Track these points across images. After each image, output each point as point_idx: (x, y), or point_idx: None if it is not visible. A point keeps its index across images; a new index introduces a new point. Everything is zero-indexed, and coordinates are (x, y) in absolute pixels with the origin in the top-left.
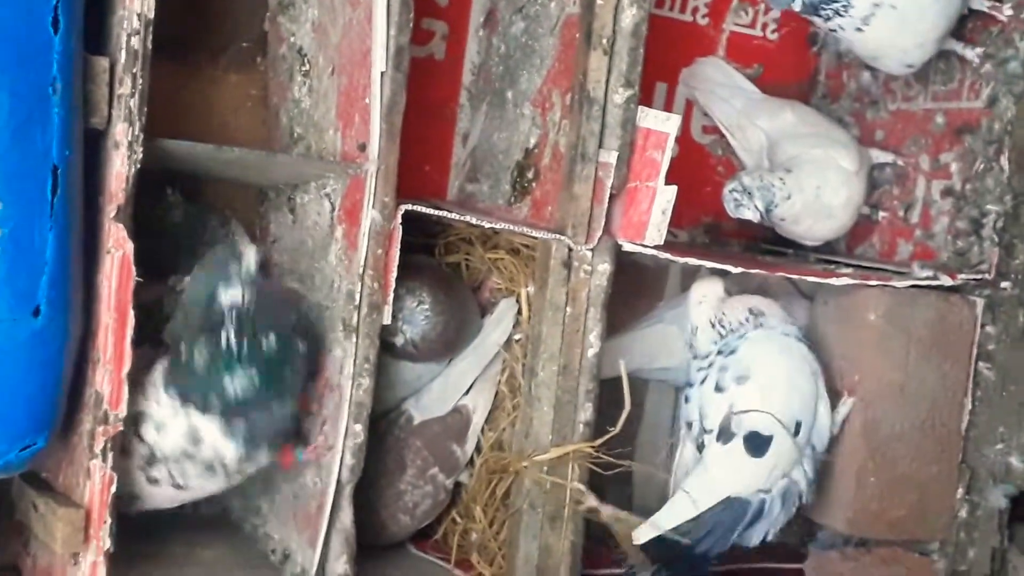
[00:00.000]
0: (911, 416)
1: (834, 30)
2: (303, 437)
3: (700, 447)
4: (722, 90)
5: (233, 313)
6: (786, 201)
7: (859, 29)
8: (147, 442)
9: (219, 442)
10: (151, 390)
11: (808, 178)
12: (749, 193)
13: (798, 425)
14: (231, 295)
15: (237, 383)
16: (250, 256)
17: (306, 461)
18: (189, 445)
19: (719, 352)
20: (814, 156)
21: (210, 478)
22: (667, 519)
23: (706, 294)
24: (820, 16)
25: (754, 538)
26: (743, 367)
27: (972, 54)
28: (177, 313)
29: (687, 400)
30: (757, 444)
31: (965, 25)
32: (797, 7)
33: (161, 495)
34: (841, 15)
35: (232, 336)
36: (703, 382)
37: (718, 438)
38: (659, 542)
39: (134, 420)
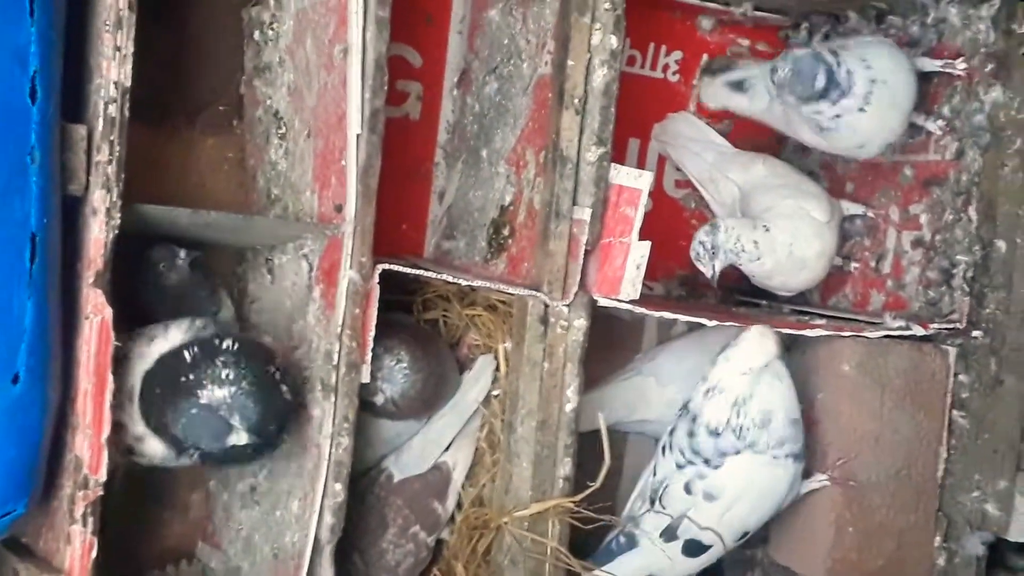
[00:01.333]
0: (887, 465)
1: (838, 115)
2: None
3: (645, 512)
4: (694, 144)
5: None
6: (756, 262)
7: (862, 109)
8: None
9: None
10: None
11: (781, 234)
12: (714, 252)
13: (745, 534)
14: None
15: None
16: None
17: None
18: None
19: (705, 461)
20: (786, 207)
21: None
22: None
23: (757, 362)
24: (828, 100)
25: None
26: (717, 488)
27: (934, 126)
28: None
29: (657, 463)
30: (694, 550)
31: (928, 87)
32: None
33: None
34: (846, 96)
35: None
36: (679, 467)
37: (661, 535)
38: None
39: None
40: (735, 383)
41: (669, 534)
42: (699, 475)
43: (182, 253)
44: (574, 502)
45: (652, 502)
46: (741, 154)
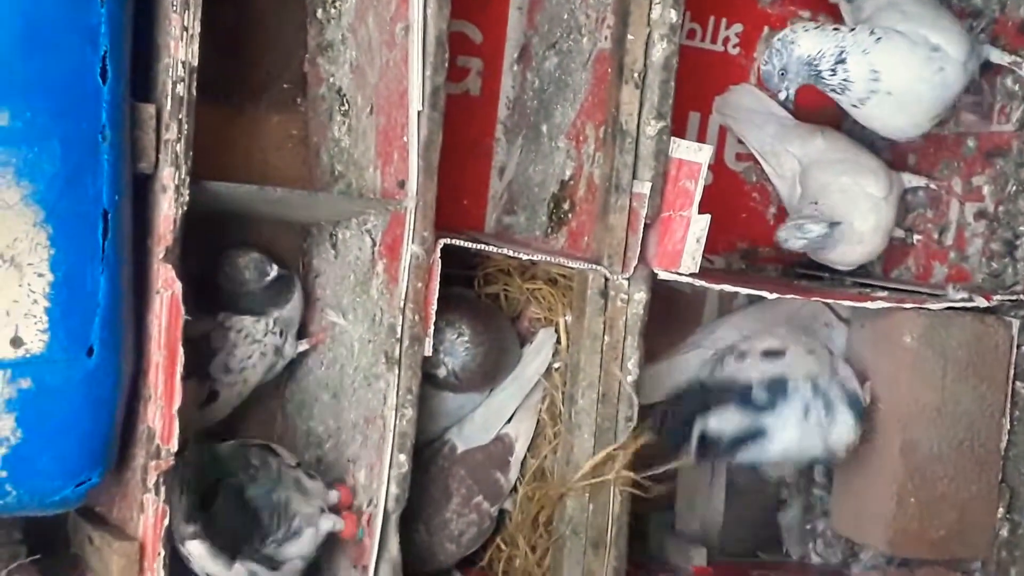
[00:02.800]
0: (949, 437)
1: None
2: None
3: None
4: (755, 116)
5: None
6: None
7: (855, 106)
8: None
9: None
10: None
11: (835, 212)
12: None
13: None
14: None
15: None
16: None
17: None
18: None
19: None
20: (842, 184)
21: None
22: None
23: None
24: (819, 85)
25: None
26: None
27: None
28: None
29: None
30: None
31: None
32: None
33: None
34: (838, 93)
35: None
36: None
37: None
38: None
39: None
40: None
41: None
42: None
43: (273, 270)
44: (628, 448)
45: None
46: (801, 126)
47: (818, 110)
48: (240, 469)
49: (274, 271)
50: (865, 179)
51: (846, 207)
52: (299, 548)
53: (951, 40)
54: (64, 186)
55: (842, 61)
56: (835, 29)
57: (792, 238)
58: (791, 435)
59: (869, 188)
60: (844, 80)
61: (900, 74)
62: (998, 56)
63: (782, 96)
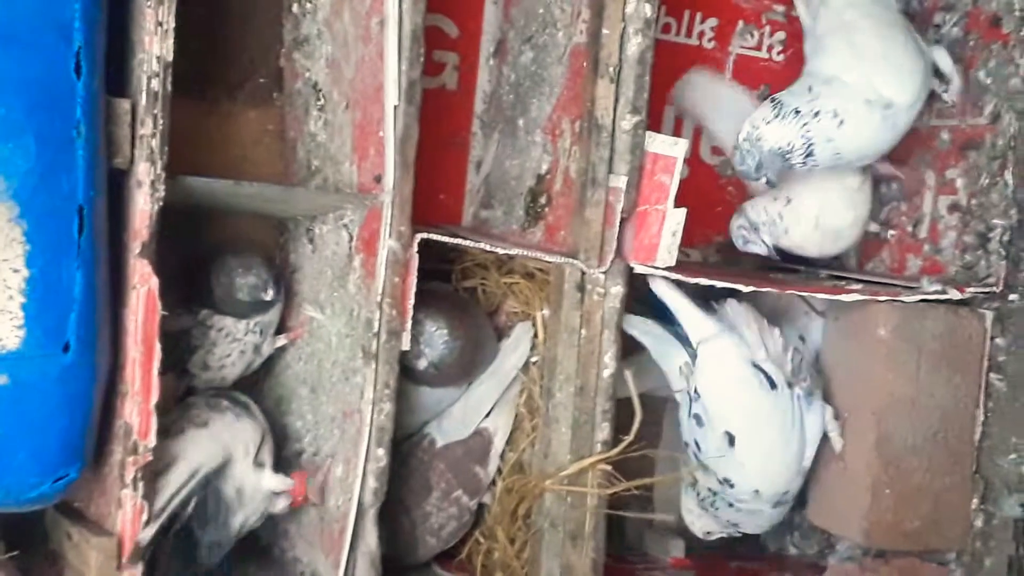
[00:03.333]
0: (923, 428)
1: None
2: None
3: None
4: (713, 101)
5: None
6: (784, 235)
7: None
8: None
9: None
10: None
11: (806, 206)
12: (756, 228)
13: None
14: None
15: None
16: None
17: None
18: None
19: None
20: (814, 177)
21: None
22: None
23: None
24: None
25: None
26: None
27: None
28: None
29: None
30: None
31: (964, 52)
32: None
33: None
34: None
35: None
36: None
37: None
38: None
39: None
40: None
41: None
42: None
43: (269, 295)
44: (611, 457)
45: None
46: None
47: None
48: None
49: (270, 295)
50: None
51: (817, 203)
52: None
53: (902, 89)
54: (39, 182)
55: (811, 154)
56: (795, 112)
57: (738, 240)
58: None
59: (845, 179)
60: (813, 165)
61: (860, 143)
62: (946, 64)
63: (763, 183)
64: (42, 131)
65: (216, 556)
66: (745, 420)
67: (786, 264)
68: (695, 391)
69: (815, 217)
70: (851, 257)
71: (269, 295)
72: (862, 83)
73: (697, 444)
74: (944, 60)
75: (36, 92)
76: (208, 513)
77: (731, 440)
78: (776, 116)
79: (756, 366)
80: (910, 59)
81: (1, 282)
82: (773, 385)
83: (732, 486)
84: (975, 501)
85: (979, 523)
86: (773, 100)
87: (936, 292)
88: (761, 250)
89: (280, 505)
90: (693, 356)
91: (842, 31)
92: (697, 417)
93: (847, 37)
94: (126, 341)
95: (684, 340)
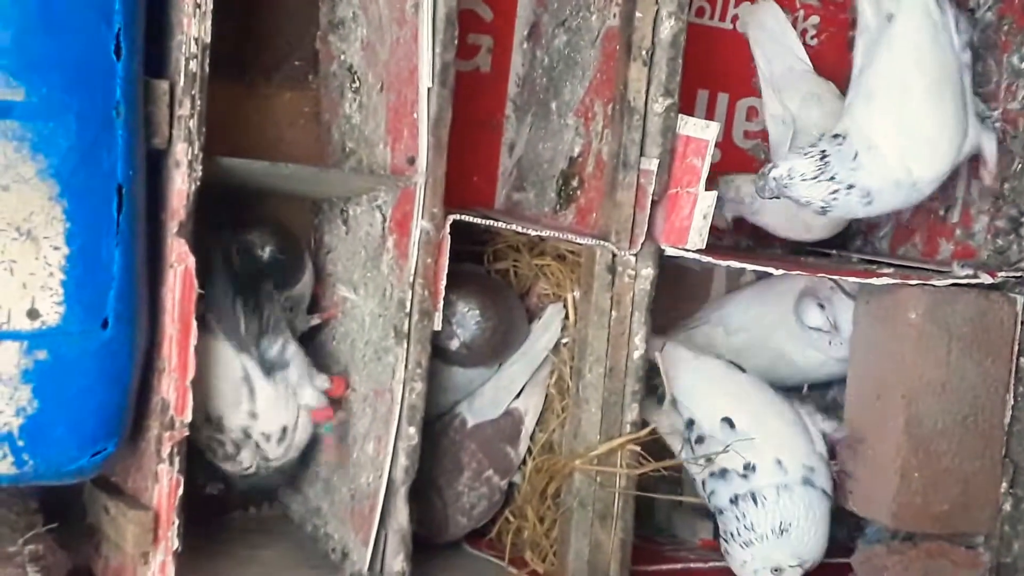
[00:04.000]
0: (953, 412)
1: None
2: None
3: None
4: (773, 44)
5: None
6: (753, 215)
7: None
8: None
9: None
10: None
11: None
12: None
13: None
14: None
15: None
16: None
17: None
18: None
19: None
20: None
21: None
22: None
23: None
24: None
25: None
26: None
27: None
28: None
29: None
30: None
31: (997, 36)
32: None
33: None
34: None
35: None
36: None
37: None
38: None
39: None
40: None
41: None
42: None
43: (265, 252)
44: (641, 438)
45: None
46: (807, 81)
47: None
48: None
49: (266, 253)
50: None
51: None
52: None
53: (932, 167)
54: (79, 161)
55: (824, 212)
56: (832, 178)
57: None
58: None
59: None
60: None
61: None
62: (990, 150)
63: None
64: (83, 111)
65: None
66: (730, 399)
67: (818, 248)
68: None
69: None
70: (883, 241)
71: (265, 252)
72: (898, 162)
73: (721, 474)
74: (990, 145)
75: (77, 72)
76: None
77: (731, 423)
78: (815, 178)
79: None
80: (950, 134)
81: (42, 259)
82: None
83: (755, 469)
84: (1004, 485)
85: (1008, 507)
86: (823, 157)
87: (967, 276)
88: (719, 222)
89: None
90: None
91: (897, 90)
92: (700, 439)
93: (901, 101)
94: (164, 318)
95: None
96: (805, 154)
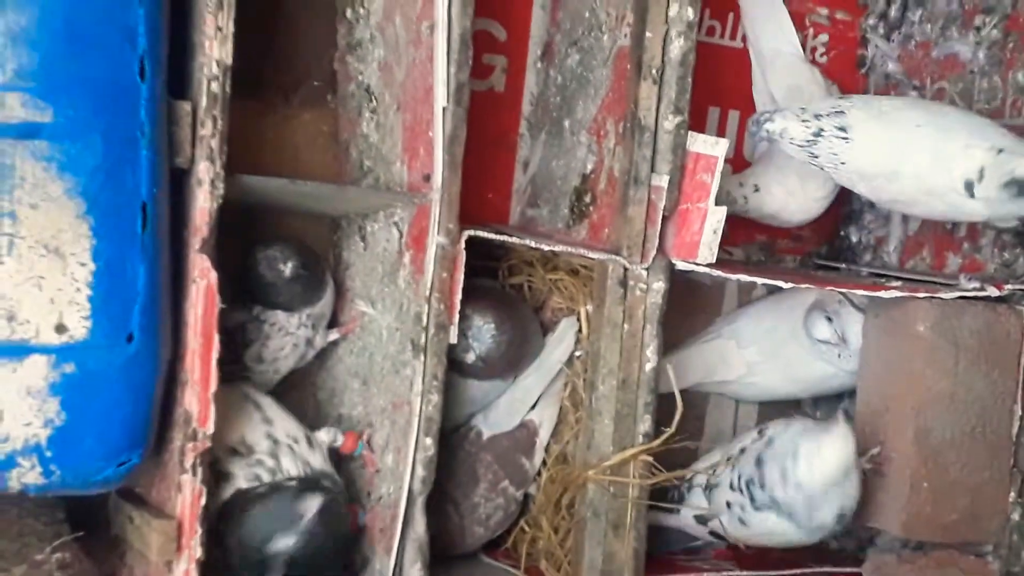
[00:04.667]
0: (961, 423)
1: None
2: None
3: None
4: (764, 22)
5: (283, 559)
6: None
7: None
8: None
9: None
10: None
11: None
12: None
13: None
14: (285, 543)
15: None
16: (312, 506)
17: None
18: None
19: (752, 499)
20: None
21: None
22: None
23: (843, 471)
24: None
25: None
26: (749, 521)
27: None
28: (232, 532)
29: (720, 466)
30: (719, 537)
31: (1004, 54)
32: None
33: None
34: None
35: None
36: (731, 488)
37: (695, 517)
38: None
39: None
40: (814, 487)
41: (701, 520)
42: (741, 506)
43: (287, 268)
44: (653, 449)
45: (706, 489)
46: (792, 71)
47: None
48: None
49: (288, 268)
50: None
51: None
52: None
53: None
54: (105, 179)
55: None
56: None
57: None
58: None
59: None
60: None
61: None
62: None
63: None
64: (108, 131)
65: None
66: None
67: (828, 262)
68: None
69: (776, 211)
70: (892, 255)
71: (287, 268)
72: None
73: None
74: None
75: (103, 94)
76: None
77: None
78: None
79: None
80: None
81: (69, 275)
82: None
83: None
84: (1012, 495)
85: (1016, 516)
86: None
87: (974, 289)
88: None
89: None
90: None
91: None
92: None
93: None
94: (186, 332)
95: None
96: (802, 121)
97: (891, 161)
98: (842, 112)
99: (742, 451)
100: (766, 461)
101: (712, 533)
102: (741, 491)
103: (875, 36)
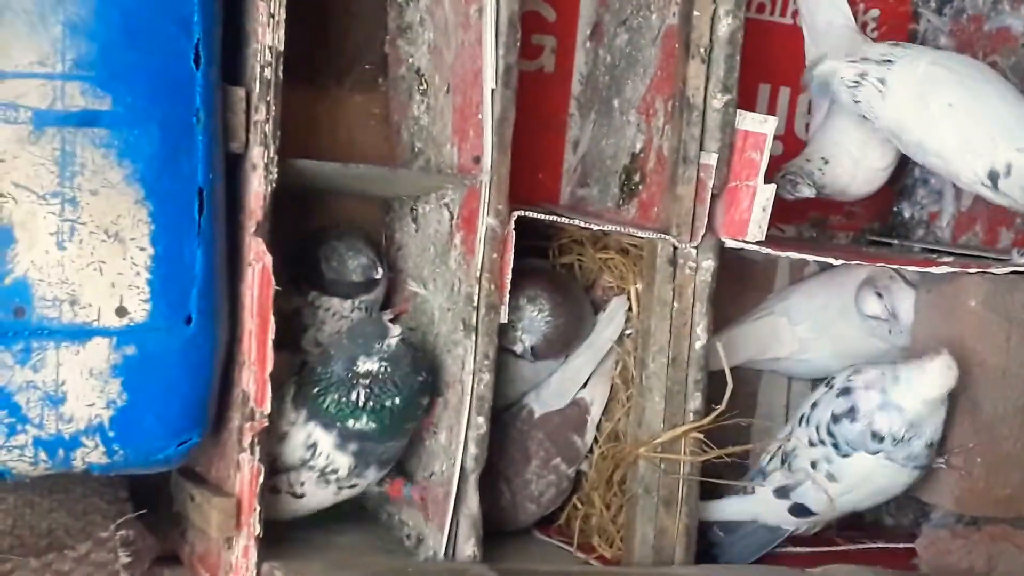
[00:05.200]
0: (1013, 398)
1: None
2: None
3: (775, 470)
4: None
5: (367, 380)
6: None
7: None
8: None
9: (333, 454)
10: (278, 404)
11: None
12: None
13: (853, 512)
14: (369, 365)
15: (360, 424)
16: (394, 333)
17: (412, 499)
18: (306, 453)
19: (835, 446)
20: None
21: (323, 487)
22: (717, 512)
23: (941, 392)
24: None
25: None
26: (840, 473)
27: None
28: (319, 358)
29: (793, 430)
30: (800, 512)
31: None
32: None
33: (279, 503)
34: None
35: (363, 397)
36: (811, 444)
37: (776, 491)
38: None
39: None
40: (915, 408)
41: (782, 492)
42: (827, 458)
43: (379, 273)
44: (704, 426)
45: (783, 463)
46: (844, 45)
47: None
48: None
49: (379, 274)
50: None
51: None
52: None
53: None
54: (162, 166)
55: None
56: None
57: (785, 193)
58: None
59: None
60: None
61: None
62: None
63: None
64: (165, 119)
65: None
66: None
67: (880, 238)
68: None
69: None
70: (944, 230)
71: (379, 273)
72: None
73: None
74: None
75: (159, 82)
76: None
77: None
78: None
79: None
80: None
81: (129, 259)
82: None
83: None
84: None
85: None
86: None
87: None
88: (810, 192)
89: None
90: None
91: None
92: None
93: None
94: (243, 315)
95: None
96: (851, 62)
97: (917, 132)
98: (890, 61)
99: (813, 405)
100: (855, 390)
101: (795, 509)
102: (823, 441)
103: (927, 10)
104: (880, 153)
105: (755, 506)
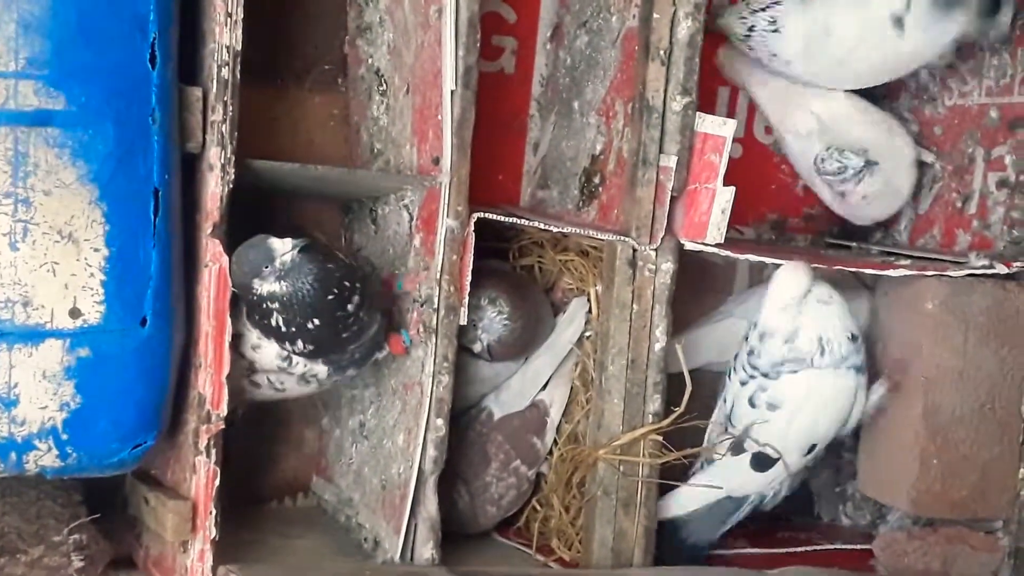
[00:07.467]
0: (970, 400)
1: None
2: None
3: (720, 437)
4: (761, 71)
5: (275, 303)
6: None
7: None
8: (246, 357)
9: (309, 364)
10: (244, 317)
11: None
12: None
13: (812, 447)
14: (267, 288)
15: (302, 345)
16: (283, 250)
17: (415, 341)
18: (282, 363)
19: (765, 375)
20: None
21: (306, 386)
22: (677, 506)
23: (792, 296)
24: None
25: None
26: (778, 397)
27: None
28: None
29: (725, 389)
30: (762, 463)
31: (1011, 32)
32: None
33: (263, 394)
34: None
35: (281, 323)
36: (743, 384)
37: (729, 449)
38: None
39: (234, 337)
40: (779, 321)
41: (736, 448)
42: (760, 387)
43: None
44: (663, 428)
45: (725, 427)
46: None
47: None
48: None
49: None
50: (901, 139)
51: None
52: None
53: None
54: (117, 166)
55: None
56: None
57: (831, 159)
58: None
59: (905, 149)
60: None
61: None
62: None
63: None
64: (120, 118)
65: None
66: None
67: (838, 241)
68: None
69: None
70: (902, 233)
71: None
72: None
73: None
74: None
75: (115, 81)
76: None
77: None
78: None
79: None
80: None
81: (83, 261)
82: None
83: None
84: (1021, 471)
85: None
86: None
87: (983, 267)
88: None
89: None
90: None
91: None
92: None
93: None
94: (199, 316)
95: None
96: (740, 17)
97: (820, 23)
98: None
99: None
100: (749, 334)
101: (756, 460)
102: (753, 377)
103: None
104: None
105: (717, 475)
